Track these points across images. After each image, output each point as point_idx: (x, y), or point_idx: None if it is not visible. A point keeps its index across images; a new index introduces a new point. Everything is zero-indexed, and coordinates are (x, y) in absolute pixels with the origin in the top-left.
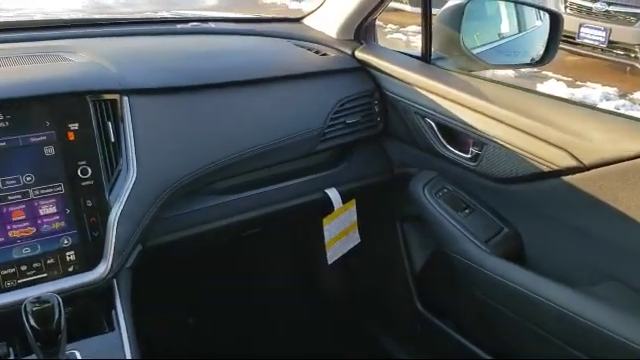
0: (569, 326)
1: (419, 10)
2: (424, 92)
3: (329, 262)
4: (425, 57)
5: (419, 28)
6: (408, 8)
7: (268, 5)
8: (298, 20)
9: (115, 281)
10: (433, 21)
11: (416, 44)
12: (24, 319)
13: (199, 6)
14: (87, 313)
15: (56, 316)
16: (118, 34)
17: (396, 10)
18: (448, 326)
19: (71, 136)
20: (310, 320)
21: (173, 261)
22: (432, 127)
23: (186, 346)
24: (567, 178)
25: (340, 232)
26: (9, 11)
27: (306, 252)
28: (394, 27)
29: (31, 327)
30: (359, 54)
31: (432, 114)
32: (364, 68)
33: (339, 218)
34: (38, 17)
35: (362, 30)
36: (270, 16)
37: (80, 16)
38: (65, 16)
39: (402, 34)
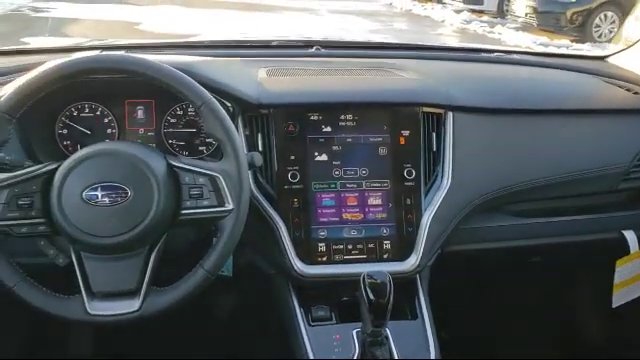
0: None
1: None
2: None
3: (613, 305)
4: None
5: None
6: None
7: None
8: (602, 58)
9: (418, 276)
10: None
11: None
12: (362, 291)
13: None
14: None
15: (387, 292)
16: (431, 57)
17: None
18: None
19: (402, 141)
20: None
21: (451, 272)
22: None
23: None
24: None
25: (632, 277)
26: None
27: (576, 289)
28: None
29: (368, 298)
30: None
31: None
32: None
33: (633, 262)
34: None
35: None
36: (573, 52)
37: (394, 41)
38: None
39: None
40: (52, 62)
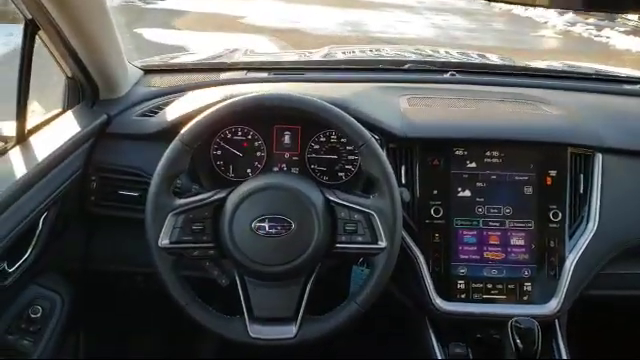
0: None
1: None
2: None
3: None
4: None
5: None
6: None
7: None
8: None
9: (557, 320)
10: None
11: None
12: (510, 337)
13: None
14: None
15: (536, 340)
16: (572, 88)
17: None
18: None
19: (548, 181)
20: None
21: (591, 316)
22: None
23: None
24: None
25: None
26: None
27: None
28: None
29: (515, 345)
30: None
31: None
32: None
33: None
34: (495, 61)
35: None
36: None
37: (540, 66)
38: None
39: None
40: (226, 99)
